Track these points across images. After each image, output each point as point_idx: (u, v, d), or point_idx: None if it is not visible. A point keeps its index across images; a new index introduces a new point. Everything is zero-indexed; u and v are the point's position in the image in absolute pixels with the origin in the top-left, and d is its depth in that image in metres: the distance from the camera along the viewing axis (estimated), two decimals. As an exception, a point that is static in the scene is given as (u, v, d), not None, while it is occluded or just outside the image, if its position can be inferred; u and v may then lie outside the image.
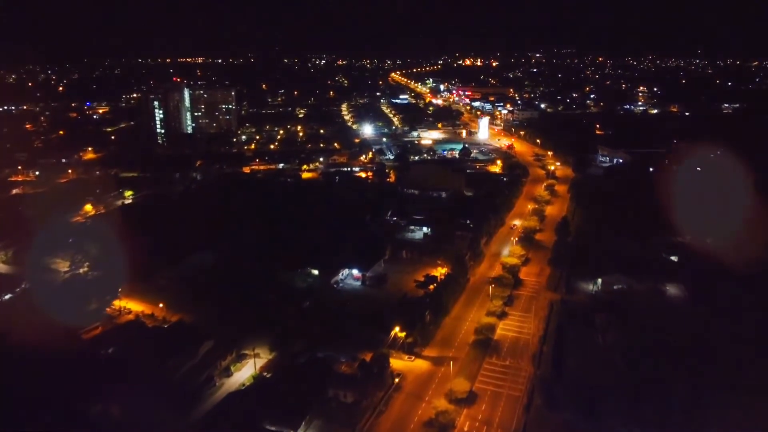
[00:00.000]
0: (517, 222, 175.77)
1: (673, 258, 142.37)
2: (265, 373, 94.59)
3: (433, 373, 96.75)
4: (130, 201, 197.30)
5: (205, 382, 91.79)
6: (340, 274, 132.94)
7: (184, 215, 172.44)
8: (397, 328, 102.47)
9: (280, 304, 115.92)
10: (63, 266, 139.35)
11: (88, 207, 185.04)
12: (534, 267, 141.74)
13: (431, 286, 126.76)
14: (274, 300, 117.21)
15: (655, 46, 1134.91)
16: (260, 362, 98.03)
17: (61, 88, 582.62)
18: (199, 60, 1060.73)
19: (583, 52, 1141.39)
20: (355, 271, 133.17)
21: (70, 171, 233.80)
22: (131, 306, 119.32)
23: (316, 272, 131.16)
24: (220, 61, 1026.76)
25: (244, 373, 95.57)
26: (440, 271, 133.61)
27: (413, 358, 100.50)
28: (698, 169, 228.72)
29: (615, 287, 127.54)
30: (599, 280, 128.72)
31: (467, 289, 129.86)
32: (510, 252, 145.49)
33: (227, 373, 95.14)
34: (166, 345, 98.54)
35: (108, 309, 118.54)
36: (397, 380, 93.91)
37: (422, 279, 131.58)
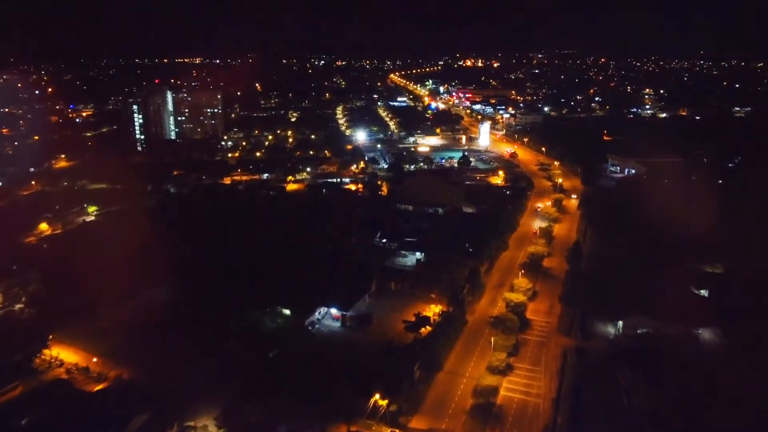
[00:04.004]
0: (540, 205, 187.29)
1: (704, 293, 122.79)
2: (209, 458, 75.69)
3: (420, 455, 77.79)
4: (92, 218, 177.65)
5: (132, 472, 72.96)
6: (317, 314, 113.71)
7: (147, 237, 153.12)
8: (377, 396, 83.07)
9: (240, 354, 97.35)
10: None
11: (44, 225, 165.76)
12: (542, 303, 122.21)
13: (423, 330, 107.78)
14: (234, 349, 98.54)
15: (657, 47, 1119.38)
16: (207, 438, 79.20)
17: (50, 90, 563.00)
18: (197, 60, 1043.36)
19: (584, 52, 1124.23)
20: (333, 311, 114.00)
21: (33, 182, 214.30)
22: (65, 356, 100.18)
23: (287, 312, 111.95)
24: (218, 61, 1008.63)
25: (184, 456, 76.67)
26: (434, 310, 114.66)
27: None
28: (719, 181, 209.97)
29: (638, 331, 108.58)
30: (620, 323, 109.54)
31: (465, 331, 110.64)
32: (515, 286, 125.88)
33: (162, 456, 76.23)
34: (91, 417, 79.54)
35: (38, 360, 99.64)
36: (375, 465, 75.06)
37: (413, 319, 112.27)
